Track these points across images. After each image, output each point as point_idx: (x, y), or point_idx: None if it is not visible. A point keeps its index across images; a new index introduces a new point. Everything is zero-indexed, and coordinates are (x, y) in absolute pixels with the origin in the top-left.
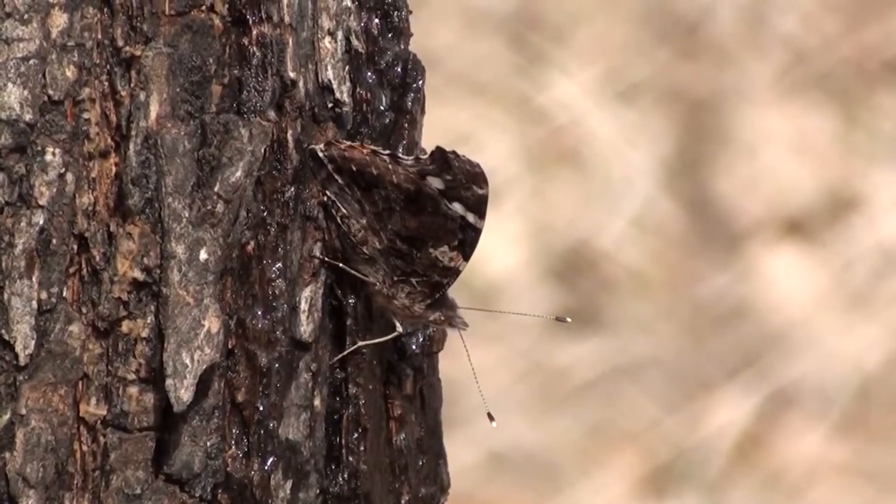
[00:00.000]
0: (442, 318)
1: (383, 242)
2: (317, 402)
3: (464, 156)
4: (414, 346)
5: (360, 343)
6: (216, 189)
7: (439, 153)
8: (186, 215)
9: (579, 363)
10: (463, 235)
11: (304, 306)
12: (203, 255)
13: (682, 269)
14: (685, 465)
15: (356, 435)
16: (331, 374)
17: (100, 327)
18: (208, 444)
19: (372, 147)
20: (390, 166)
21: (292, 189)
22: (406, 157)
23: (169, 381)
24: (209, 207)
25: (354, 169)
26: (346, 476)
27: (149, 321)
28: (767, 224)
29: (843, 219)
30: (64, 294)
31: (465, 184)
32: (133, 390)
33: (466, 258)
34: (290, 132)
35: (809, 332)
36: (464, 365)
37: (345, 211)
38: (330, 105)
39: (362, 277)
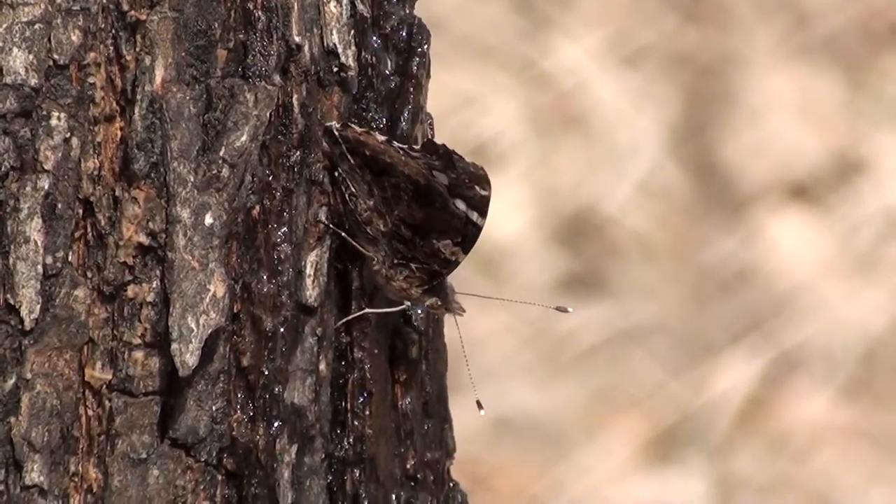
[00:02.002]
0: (439, 303)
1: (388, 226)
2: (322, 366)
3: (468, 160)
4: (419, 311)
5: (368, 310)
6: (221, 153)
7: (444, 151)
8: (192, 180)
9: (584, 328)
10: (465, 231)
11: (309, 270)
12: (208, 220)
13: (687, 233)
14: (690, 429)
15: (361, 399)
16: (336, 338)
17: (105, 292)
18: (213, 408)
19: (387, 137)
20: (403, 157)
21: (297, 153)
22: (415, 151)
23: (174, 346)
24: (214, 172)
25: (368, 153)
26: (351, 440)
27: (154, 286)
28: (773, 189)
29: (848, 183)
30: (69, 259)
31: (468, 183)
32: (138, 355)
33: (466, 252)
34: (295, 96)
35: (815, 297)
36: (470, 330)
37: (353, 189)
38: (335, 69)
39: (363, 252)
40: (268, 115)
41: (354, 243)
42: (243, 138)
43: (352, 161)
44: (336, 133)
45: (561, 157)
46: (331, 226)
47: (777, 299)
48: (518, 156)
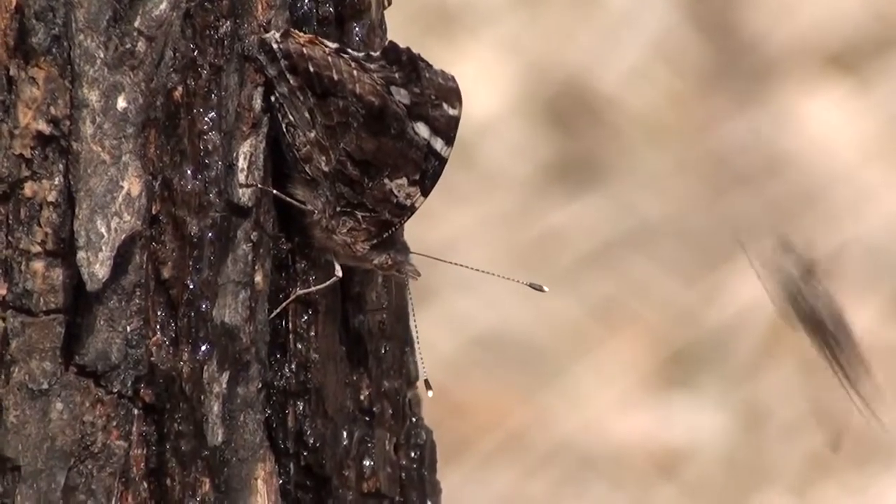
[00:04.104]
0: (389, 262)
1: (331, 163)
2: (258, 278)
3: (437, 67)
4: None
5: (301, 291)
6: (136, 24)
7: (408, 58)
8: (101, 55)
9: (577, 227)
10: (425, 165)
11: (242, 164)
12: (121, 104)
13: (700, 112)
14: (705, 350)
15: (306, 318)
16: (275, 244)
17: None
18: (128, 329)
19: (337, 45)
20: (355, 72)
21: (227, 24)
22: (373, 61)
23: (81, 255)
24: (128, 46)
25: (312, 70)
26: (293, 367)
27: (56, 182)
28: (805, 58)
29: None
30: None
31: (434, 101)
32: (38, 265)
33: (425, 192)
34: None
35: (856, 190)
36: (439, 230)
37: (291, 118)
38: None
39: (298, 205)
40: None
41: (285, 197)
42: (162, 6)
43: (292, 82)
44: (275, 46)
45: (546, 20)
46: (260, 186)
47: (810, 192)
48: (494, 19)
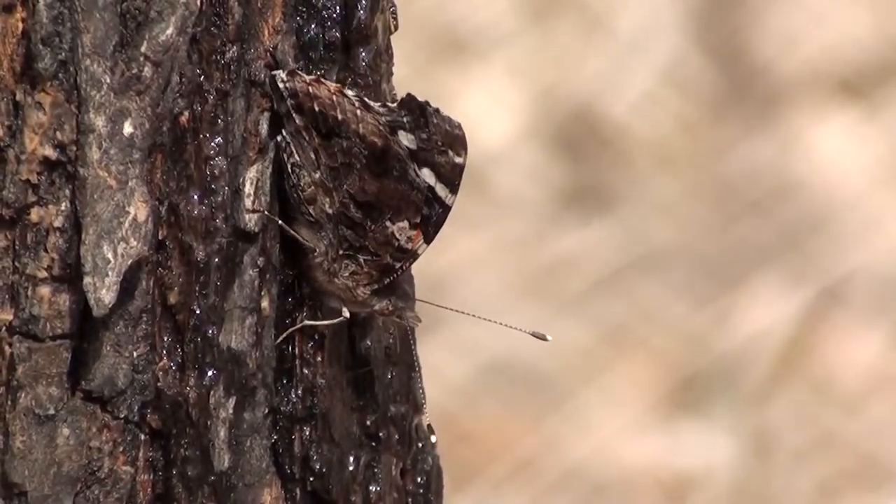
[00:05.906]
0: (390, 308)
1: (334, 205)
2: (264, 303)
3: (445, 114)
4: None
5: (307, 323)
6: (143, 49)
7: (416, 104)
8: (108, 81)
9: (587, 253)
10: (428, 210)
11: (248, 189)
12: (127, 129)
13: (710, 138)
14: (715, 376)
15: (312, 343)
16: (281, 270)
17: (4, 216)
18: (135, 354)
19: (340, 86)
20: (358, 112)
21: (234, 49)
22: (377, 104)
23: (87, 280)
24: (135, 71)
25: (317, 109)
26: (300, 392)
27: (63, 208)
28: (814, 84)
29: None
30: None
31: (440, 147)
32: (44, 291)
33: (428, 239)
34: None
35: (865, 216)
36: (447, 256)
37: (297, 158)
38: None
39: (302, 242)
40: (198, 2)
41: (290, 231)
42: (169, 31)
43: (297, 122)
44: (282, 85)
45: (556, 47)
46: (266, 213)
47: (819, 218)
48: (504, 45)
